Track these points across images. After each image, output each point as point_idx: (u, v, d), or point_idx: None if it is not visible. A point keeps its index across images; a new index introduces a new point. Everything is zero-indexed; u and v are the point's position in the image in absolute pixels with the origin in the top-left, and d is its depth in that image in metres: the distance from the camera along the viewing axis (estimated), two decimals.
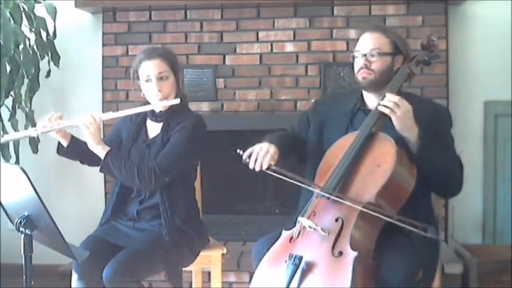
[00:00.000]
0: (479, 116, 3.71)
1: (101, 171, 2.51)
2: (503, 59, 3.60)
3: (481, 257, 3.34)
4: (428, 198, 2.32)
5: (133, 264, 2.37)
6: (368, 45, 2.29)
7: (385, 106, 2.11)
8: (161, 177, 2.46)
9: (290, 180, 2.12)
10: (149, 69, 2.51)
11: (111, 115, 2.54)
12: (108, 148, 2.47)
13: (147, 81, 2.53)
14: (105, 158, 2.45)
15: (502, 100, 3.64)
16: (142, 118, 2.65)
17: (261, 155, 2.19)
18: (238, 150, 2.22)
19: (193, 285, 2.88)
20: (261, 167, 2.18)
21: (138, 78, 2.57)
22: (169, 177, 2.49)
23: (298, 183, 2.13)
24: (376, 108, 2.17)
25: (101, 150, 2.46)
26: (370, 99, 2.33)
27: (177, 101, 2.51)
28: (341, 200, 2.06)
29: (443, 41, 3.58)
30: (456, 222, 3.65)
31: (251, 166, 2.20)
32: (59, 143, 2.54)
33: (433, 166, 2.15)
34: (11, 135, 3.00)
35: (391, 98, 2.12)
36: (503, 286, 3.24)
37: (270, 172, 2.17)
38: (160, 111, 2.59)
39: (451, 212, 3.64)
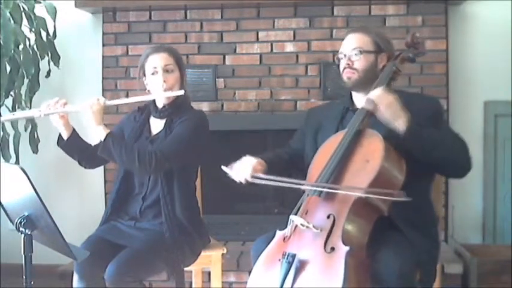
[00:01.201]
0: (479, 116, 3.71)
1: (100, 153, 2.50)
2: (503, 59, 3.61)
3: (481, 257, 3.33)
4: (429, 198, 2.33)
5: (135, 264, 2.37)
6: (350, 45, 2.32)
7: (367, 103, 2.13)
8: (161, 162, 2.46)
9: (279, 184, 2.13)
10: (156, 62, 2.57)
11: (116, 101, 2.64)
12: (109, 130, 2.50)
13: (153, 74, 2.58)
14: (105, 139, 2.46)
15: (502, 100, 3.64)
16: (145, 116, 2.68)
17: (242, 167, 2.23)
18: (223, 167, 2.27)
19: (193, 285, 2.88)
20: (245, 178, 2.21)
21: (144, 74, 2.62)
22: (170, 164, 2.49)
23: (288, 185, 2.13)
24: (362, 107, 2.18)
25: (101, 131, 2.48)
26: (358, 99, 2.34)
27: (181, 92, 2.55)
28: (333, 191, 2.07)
29: (443, 41, 3.59)
30: (456, 222, 3.65)
31: (236, 179, 2.24)
32: (60, 135, 2.56)
33: (430, 147, 2.12)
34: (13, 114, 2.95)
35: (373, 93, 2.13)
36: (503, 286, 3.24)
37: (255, 181, 2.20)
38: (164, 107, 2.62)
39: (451, 211, 3.64)
